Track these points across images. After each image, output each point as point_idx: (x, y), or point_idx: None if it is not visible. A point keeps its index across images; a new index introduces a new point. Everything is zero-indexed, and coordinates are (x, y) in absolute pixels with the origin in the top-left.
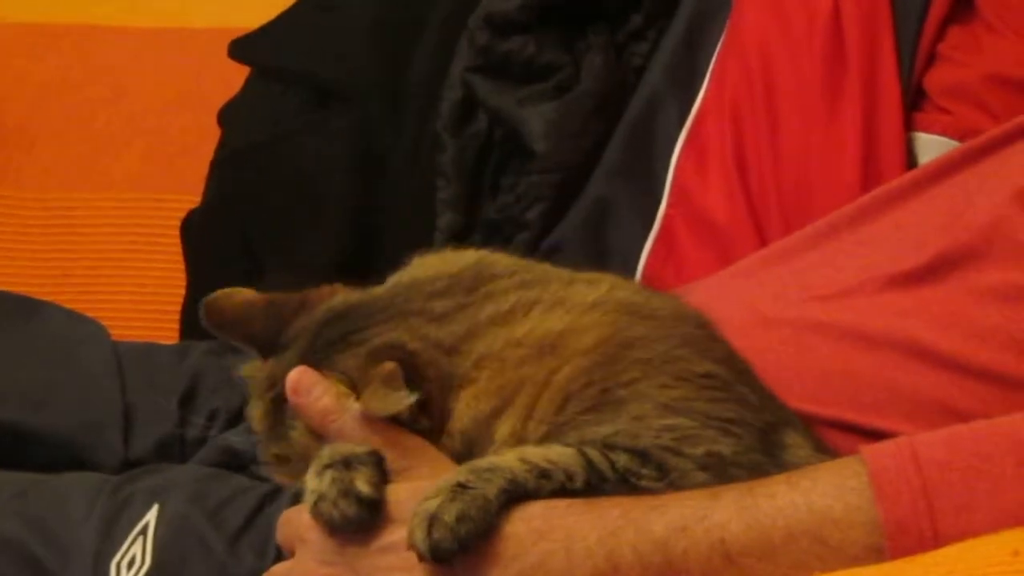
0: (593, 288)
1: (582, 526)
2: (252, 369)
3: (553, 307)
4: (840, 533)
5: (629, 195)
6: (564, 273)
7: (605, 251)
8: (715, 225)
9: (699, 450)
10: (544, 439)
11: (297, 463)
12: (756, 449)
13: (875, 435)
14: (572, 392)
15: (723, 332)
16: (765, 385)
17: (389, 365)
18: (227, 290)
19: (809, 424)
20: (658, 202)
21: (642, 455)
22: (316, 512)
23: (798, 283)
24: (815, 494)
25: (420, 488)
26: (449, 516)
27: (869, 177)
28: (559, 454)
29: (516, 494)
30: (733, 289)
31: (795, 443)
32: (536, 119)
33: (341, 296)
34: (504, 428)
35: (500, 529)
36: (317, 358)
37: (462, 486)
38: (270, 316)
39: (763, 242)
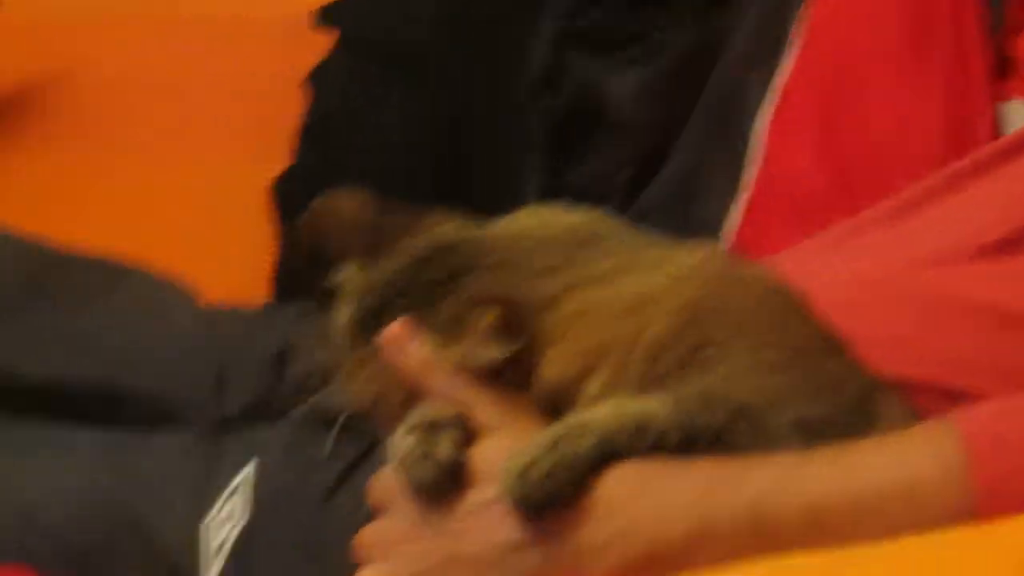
0: (691, 256)
1: (675, 488)
2: (347, 274)
3: (650, 270)
4: (930, 497)
5: (716, 162)
6: (665, 241)
7: (691, 217)
8: (802, 192)
9: (790, 413)
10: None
11: (370, 379)
12: (847, 416)
13: (967, 399)
14: (661, 350)
15: (814, 302)
16: (857, 357)
17: (491, 315)
18: (335, 198)
19: (901, 391)
20: (745, 169)
21: (737, 412)
22: (399, 474)
23: (891, 250)
24: (906, 457)
25: (511, 446)
26: (540, 470)
27: (956, 145)
28: (655, 410)
29: (609, 450)
30: (823, 259)
31: (888, 412)
32: (622, 85)
33: (452, 229)
34: (593, 387)
35: (592, 489)
36: (418, 292)
37: (555, 442)
38: (375, 231)
39: (850, 210)
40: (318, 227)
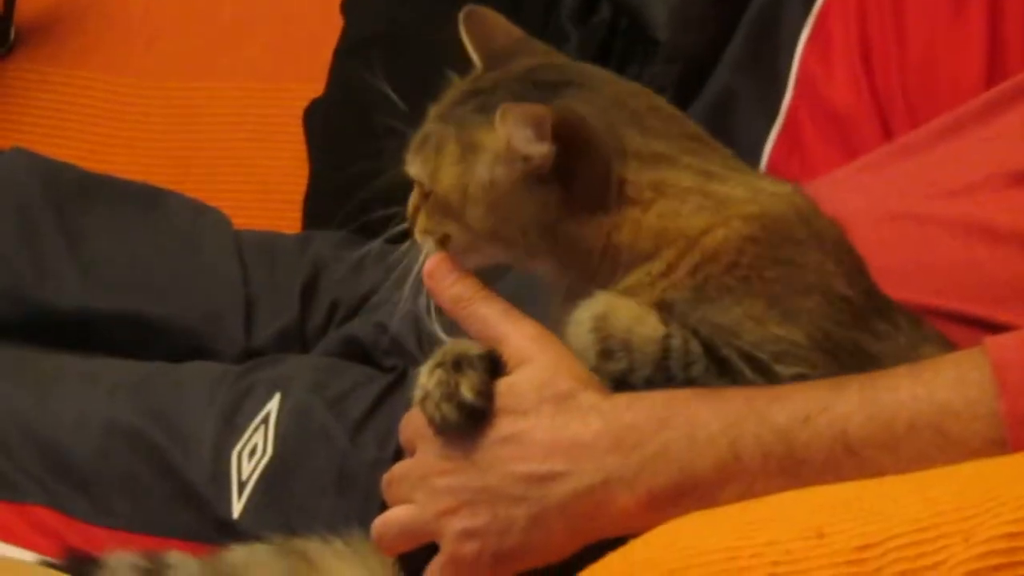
0: (779, 186)
1: (704, 415)
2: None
3: (742, 184)
4: (961, 426)
5: (753, 86)
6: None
7: (729, 142)
8: (840, 117)
9: (791, 371)
10: (666, 301)
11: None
12: None
13: (998, 328)
14: (714, 271)
15: (850, 226)
16: (908, 315)
17: (541, 108)
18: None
19: (933, 321)
20: (783, 93)
21: (722, 360)
22: (422, 410)
23: (924, 178)
24: (937, 386)
25: (540, 379)
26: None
27: (995, 71)
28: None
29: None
30: (860, 183)
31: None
32: (660, 8)
33: (577, 64)
34: (632, 278)
35: (622, 416)
36: (520, 90)
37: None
38: (511, 45)
39: (888, 135)
40: (474, 26)
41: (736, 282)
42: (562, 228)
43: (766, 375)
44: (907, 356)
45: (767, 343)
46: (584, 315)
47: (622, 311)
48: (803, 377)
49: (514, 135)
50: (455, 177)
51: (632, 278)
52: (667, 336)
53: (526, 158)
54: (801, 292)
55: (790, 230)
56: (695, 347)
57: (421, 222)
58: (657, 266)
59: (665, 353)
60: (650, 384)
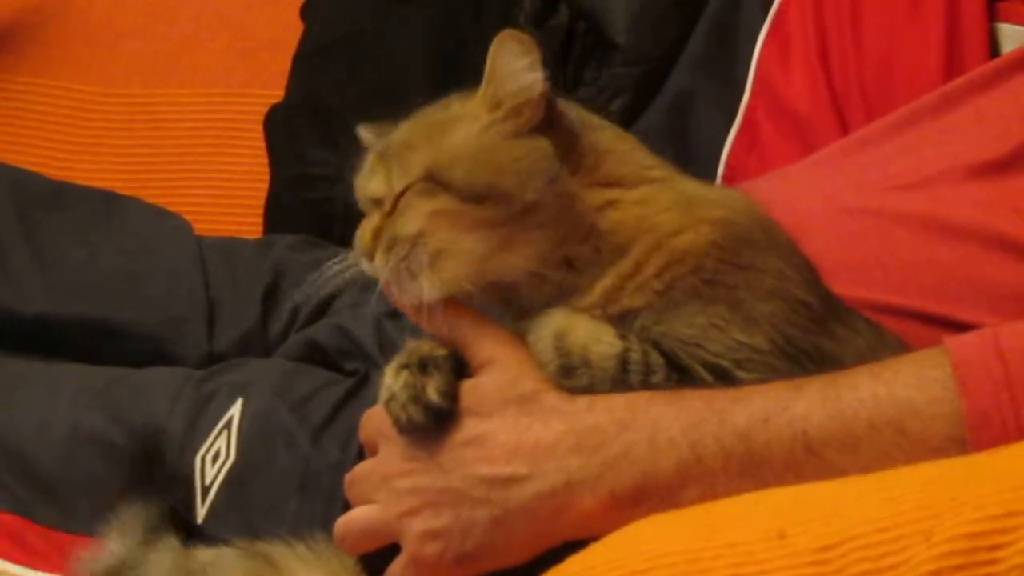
0: (735, 192)
1: (665, 417)
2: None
3: (705, 187)
4: (922, 425)
5: (712, 87)
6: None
7: (688, 143)
8: (798, 115)
9: (753, 376)
10: (629, 309)
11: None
12: None
13: (957, 326)
14: (680, 273)
15: (807, 221)
16: (866, 319)
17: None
18: None
19: (892, 319)
20: (741, 93)
21: (682, 370)
22: (387, 411)
23: (880, 172)
24: (897, 385)
25: (504, 380)
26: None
27: (951, 67)
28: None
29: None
30: (815, 178)
31: None
32: (618, 11)
33: None
34: (606, 280)
35: (583, 419)
36: None
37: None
38: None
39: (845, 132)
40: None
41: (702, 285)
42: (562, 183)
43: (728, 381)
44: (867, 359)
45: (730, 351)
46: (544, 332)
47: (579, 329)
48: (764, 381)
49: (512, 63)
50: (437, 152)
51: (606, 280)
52: (625, 350)
53: (521, 97)
54: (763, 298)
55: (752, 236)
56: (655, 359)
57: (384, 241)
58: (626, 265)
59: (624, 367)
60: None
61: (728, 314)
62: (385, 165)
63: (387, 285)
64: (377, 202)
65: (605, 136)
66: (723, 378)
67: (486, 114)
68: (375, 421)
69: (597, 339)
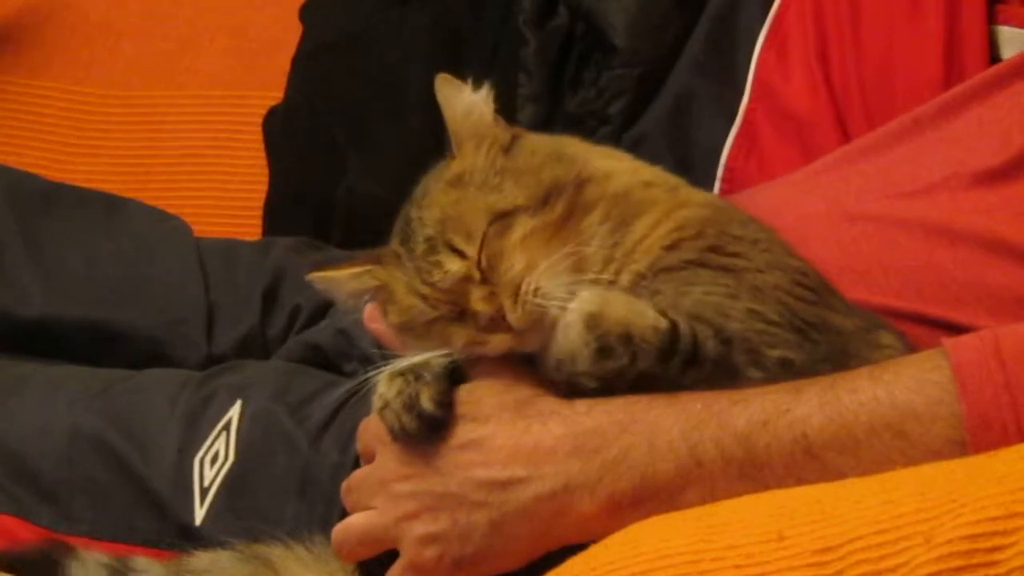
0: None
1: (665, 420)
2: None
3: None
4: (922, 427)
5: (711, 89)
6: None
7: (688, 145)
8: (797, 119)
9: (775, 353)
10: (642, 273)
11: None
12: (829, 360)
13: (958, 330)
14: (685, 237)
15: (809, 227)
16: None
17: None
18: None
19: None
20: (740, 96)
21: (727, 342)
22: (381, 418)
23: (882, 179)
24: (897, 388)
25: (500, 385)
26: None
27: (952, 71)
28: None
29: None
30: (817, 184)
31: (891, 343)
32: (617, 13)
33: None
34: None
35: (582, 422)
36: None
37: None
38: None
39: (845, 136)
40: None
41: (708, 253)
42: None
43: (759, 359)
44: (865, 337)
45: (749, 321)
46: (573, 317)
47: (617, 305)
48: (786, 360)
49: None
50: (482, 199)
51: (629, 240)
52: (673, 324)
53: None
54: (763, 268)
55: (734, 214)
56: (704, 330)
57: (506, 293)
58: (639, 229)
59: (672, 342)
60: (641, 378)
61: (735, 284)
62: (445, 248)
63: (518, 338)
64: (465, 281)
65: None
66: (753, 355)
67: (479, 152)
68: (372, 431)
69: (641, 312)
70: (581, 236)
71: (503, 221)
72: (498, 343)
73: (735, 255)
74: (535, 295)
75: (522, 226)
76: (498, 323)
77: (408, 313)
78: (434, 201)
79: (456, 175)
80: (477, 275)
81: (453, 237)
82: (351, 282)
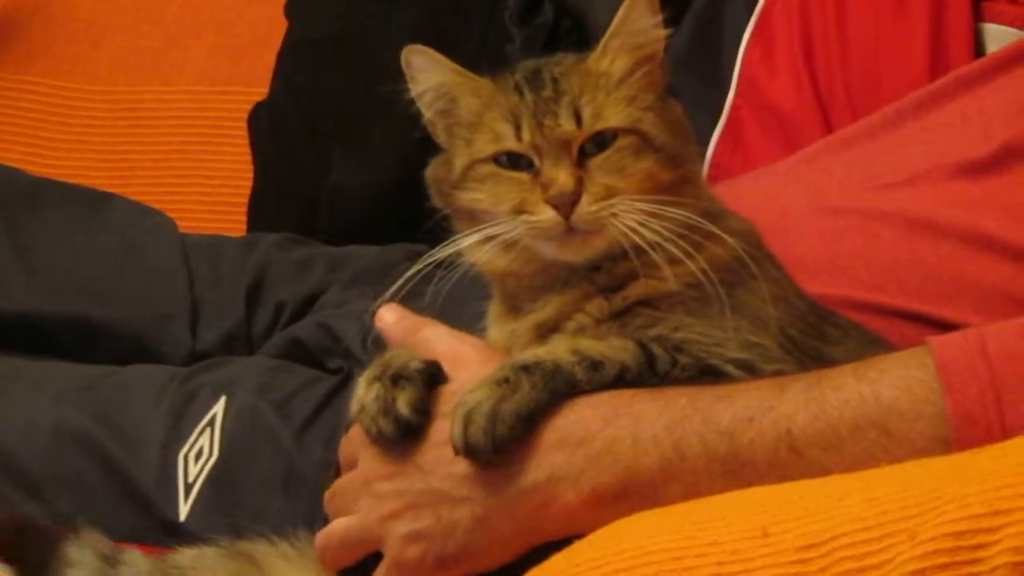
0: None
1: (649, 414)
2: None
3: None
4: (906, 425)
5: (696, 85)
6: None
7: None
8: (782, 115)
9: (770, 367)
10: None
11: None
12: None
13: (942, 326)
14: (715, 268)
15: (791, 219)
16: (849, 320)
17: None
18: None
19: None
20: (725, 92)
21: (708, 369)
22: (358, 422)
23: (864, 171)
24: (882, 385)
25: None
26: (481, 415)
27: (936, 66)
28: (615, 348)
29: (563, 386)
30: (799, 176)
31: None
32: (602, 9)
33: None
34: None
35: (565, 415)
36: None
37: (503, 382)
38: None
39: (830, 131)
40: None
41: (723, 288)
42: None
43: (753, 374)
44: (860, 358)
45: (747, 350)
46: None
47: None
48: (781, 373)
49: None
50: (632, 107)
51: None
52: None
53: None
54: (769, 301)
55: (758, 250)
56: (684, 359)
57: (598, 190)
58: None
59: (650, 361)
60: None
61: (739, 316)
62: (568, 107)
63: (565, 235)
64: (565, 144)
65: None
66: (749, 370)
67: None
68: (353, 441)
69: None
70: (678, 206)
71: (639, 138)
72: (546, 222)
73: (747, 291)
74: (612, 215)
75: (648, 160)
76: (564, 204)
77: (489, 141)
78: (579, 69)
79: (602, 72)
80: (576, 147)
81: (584, 103)
82: (452, 76)
